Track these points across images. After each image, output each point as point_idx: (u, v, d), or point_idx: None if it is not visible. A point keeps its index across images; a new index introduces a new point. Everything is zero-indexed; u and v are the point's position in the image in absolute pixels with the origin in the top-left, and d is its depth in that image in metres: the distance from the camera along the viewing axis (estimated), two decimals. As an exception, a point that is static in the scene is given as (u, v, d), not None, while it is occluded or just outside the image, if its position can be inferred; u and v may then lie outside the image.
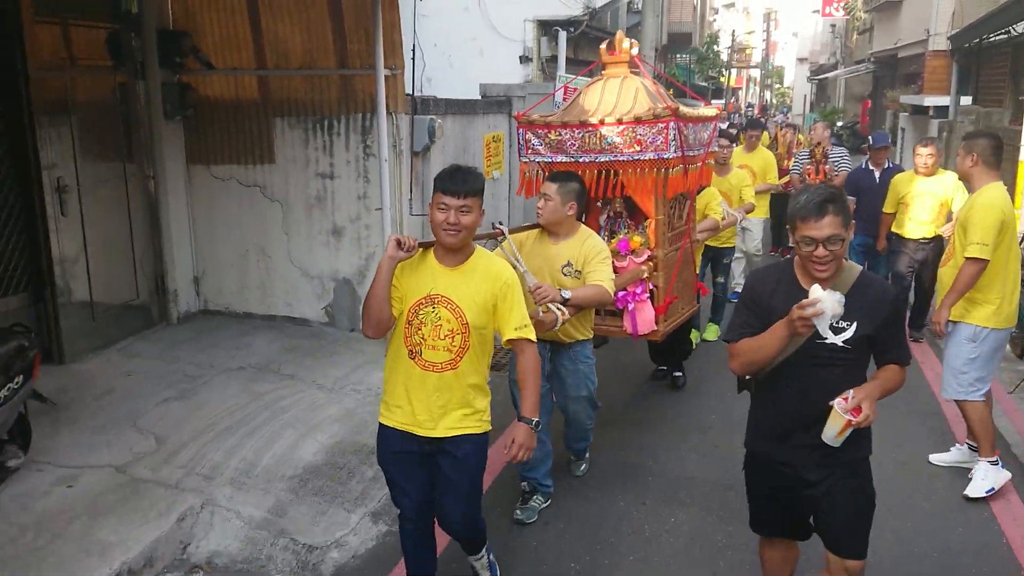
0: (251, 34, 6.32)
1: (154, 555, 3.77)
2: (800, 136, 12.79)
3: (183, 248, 6.73)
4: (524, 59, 10.56)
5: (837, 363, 2.78)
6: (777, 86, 74.78)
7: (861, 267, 2.89)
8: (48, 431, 4.61)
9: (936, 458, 4.94)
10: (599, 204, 5.02)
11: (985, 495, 4.43)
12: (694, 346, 6.48)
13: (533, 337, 3.23)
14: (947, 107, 13.71)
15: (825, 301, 2.60)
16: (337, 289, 6.60)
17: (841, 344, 2.74)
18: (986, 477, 4.48)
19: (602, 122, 4.75)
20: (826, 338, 2.71)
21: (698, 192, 5.65)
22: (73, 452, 4.46)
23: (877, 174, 7.67)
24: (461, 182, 3.05)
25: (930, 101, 15.07)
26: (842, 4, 30.08)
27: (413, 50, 5.98)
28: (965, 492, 4.48)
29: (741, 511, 3.41)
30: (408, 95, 6.24)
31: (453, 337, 3.11)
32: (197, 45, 6.39)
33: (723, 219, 6.13)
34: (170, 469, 4.39)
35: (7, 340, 3.85)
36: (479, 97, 8.55)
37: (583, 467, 4.79)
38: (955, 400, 4.67)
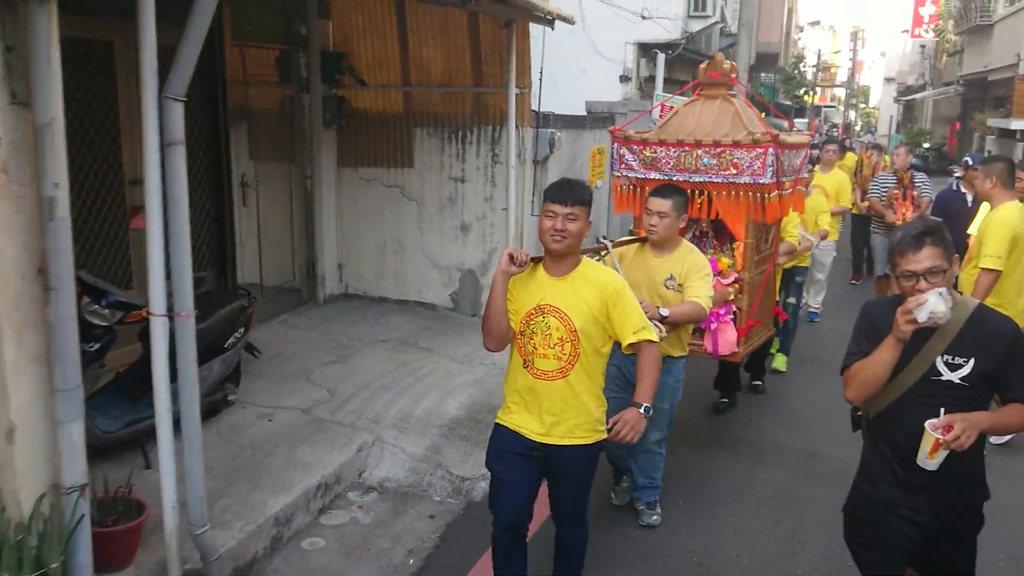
0: (399, 56, 7.33)
1: (340, 475, 4.72)
2: (886, 158, 12.33)
3: (331, 239, 7.77)
4: (624, 78, 11.41)
5: (954, 402, 2.65)
6: (862, 106, 73.75)
7: (978, 302, 2.84)
8: (245, 379, 5.64)
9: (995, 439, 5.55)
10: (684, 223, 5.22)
11: None
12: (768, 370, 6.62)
13: (654, 338, 3.27)
14: (1034, 131, 14.01)
15: (928, 294, 2.57)
16: (463, 279, 7.53)
17: (958, 381, 2.65)
18: None
19: (699, 143, 4.85)
20: (941, 375, 2.66)
21: None
22: (266, 396, 5.46)
23: (970, 198, 7.25)
24: (569, 192, 3.17)
25: (1017, 125, 15.34)
26: (932, 26, 30.05)
27: (541, 72, 6.87)
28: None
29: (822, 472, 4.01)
30: (533, 111, 7.15)
31: (563, 345, 3.18)
32: (353, 65, 7.42)
33: (799, 243, 6.16)
34: (344, 413, 5.35)
35: (233, 299, 4.87)
36: (584, 113, 9.42)
37: (655, 517, 4.48)
38: None
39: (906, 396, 2.71)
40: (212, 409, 4.89)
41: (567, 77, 10.79)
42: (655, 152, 4.99)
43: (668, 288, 4.16)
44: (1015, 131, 15.26)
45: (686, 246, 4.32)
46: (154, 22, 2.98)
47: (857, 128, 57.88)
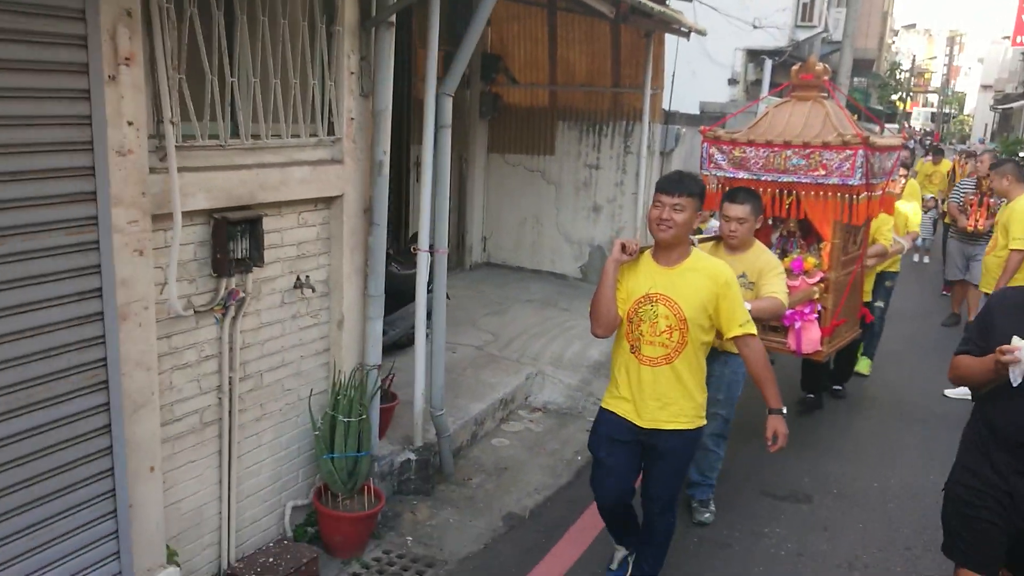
0: (547, 58, 8.51)
1: (514, 395, 5.94)
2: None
3: (477, 214, 9.02)
4: (732, 82, 12.39)
5: None
6: (958, 115, 71.99)
7: None
8: (427, 321, 6.91)
9: (950, 392, 6.54)
10: (770, 222, 5.29)
11: None
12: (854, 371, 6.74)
13: (755, 331, 3.38)
14: None
15: (1022, 351, 2.67)
16: (592, 253, 8.69)
17: None
18: None
19: (788, 143, 4.88)
20: (1015, 384, 2.71)
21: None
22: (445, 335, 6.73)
23: None
24: (676, 183, 3.27)
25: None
26: (1035, 34, 29.80)
27: (673, 75, 7.96)
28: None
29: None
30: (663, 109, 8.26)
31: (671, 333, 3.28)
32: (507, 65, 8.64)
33: (891, 246, 6.18)
34: (509, 351, 6.57)
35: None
36: (698, 112, 10.46)
37: (707, 515, 4.53)
38: None
39: (1007, 385, 2.75)
40: (413, 338, 6.15)
41: (679, 79, 11.82)
42: (744, 152, 5.05)
43: (740, 286, 4.21)
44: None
45: (758, 246, 4.42)
46: (437, 42, 4.21)
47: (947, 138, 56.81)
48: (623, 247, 3.30)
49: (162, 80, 2.94)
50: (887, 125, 32.95)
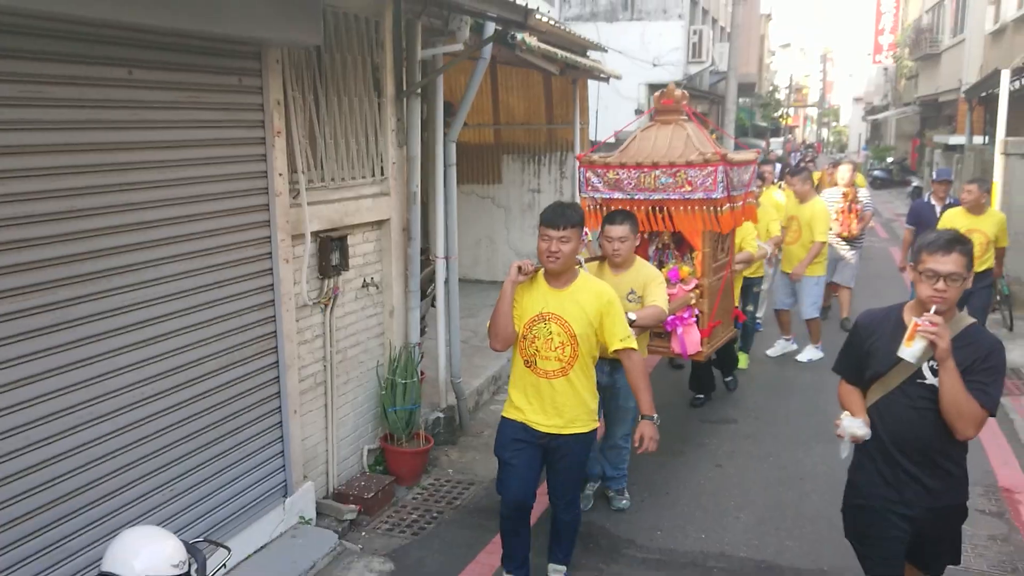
0: (491, 103, 10.16)
1: (500, 374, 7.45)
2: (860, 178, 11.67)
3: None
4: (638, 112, 14.32)
5: (934, 403, 2.88)
6: (834, 124, 77.21)
7: (974, 320, 3.04)
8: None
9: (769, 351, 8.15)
10: (646, 236, 5.60)
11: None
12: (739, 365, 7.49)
13: (635, 345, 3.73)
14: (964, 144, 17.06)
15: (846, 426, 3.01)
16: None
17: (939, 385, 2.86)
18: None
19: (656, 164, 5.29)
20: (925, 378, 2.90)
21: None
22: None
23: (938, 209, 8.09)
24: (560, 216, 3.57)
25: (955, 140, 18.41)
26: (891, 52, 33.41)
27: (597, 112, 9.70)
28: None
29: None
30: (590, 140, 10.00)
31: (563, 348, 3.61)
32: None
33: (757, 251, 6.80)
34: (486, 346, 8.11)
35: (428, 265, 7.61)
36: (614, 140, 12.28)
37: (624, 502, 5.05)
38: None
39: (891, 395, 2.97)
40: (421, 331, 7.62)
41: (593, 111, 13.68)
42: (618, 174, 5.42)
43: (630, 301, 4.59)
44: (954, 145, 18.30)
45: (639, 262, 4.80)
46: (442, 107, 5.77)
47: (831, 145, 61.23)
48: (519, 269, 3.64)
49: (295, 144, 4.41)
50: (772, 140, 35.96)
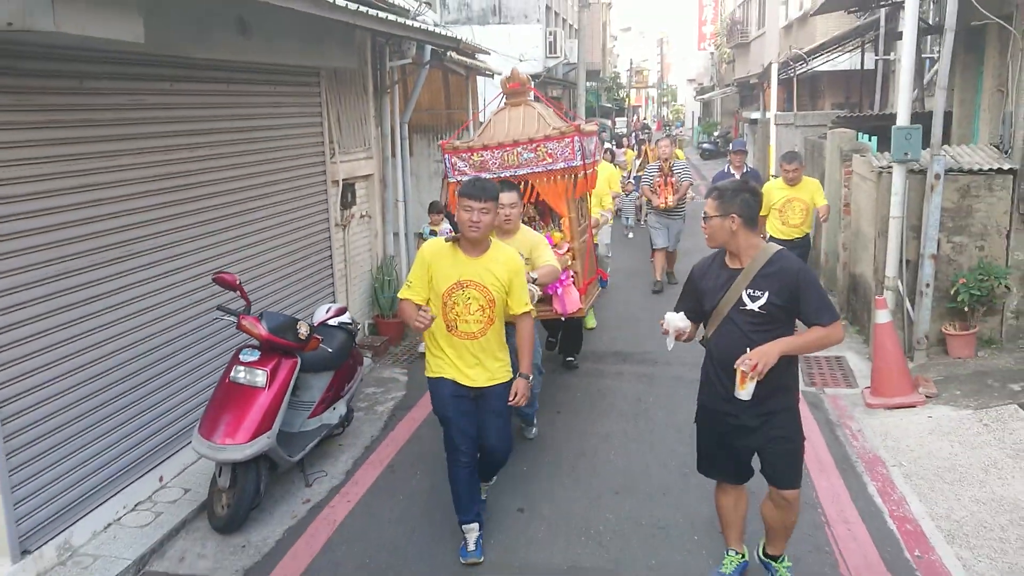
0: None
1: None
2: (679, 152, 13.12)
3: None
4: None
5: (758, 327, 3.42)
6: (673, 104, 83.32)
7: (779, 248, 3.56)
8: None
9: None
10: None
11: None
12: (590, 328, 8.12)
13: (532, 311, 4.18)
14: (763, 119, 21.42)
15: (669, 320, 3.64)
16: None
17: (758, 309, 3.41)
18: None
19: (517, 142, 5.63)
20: (745, 304, 3.42)
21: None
22: (381, 265, 11.25)
23: (737, 176, 8.51)
24: (483, 190, 3.84)
25: (755, 116, 22.81)
26: (712, 41, 38.32)
27: (486, 100, 12.90)
28: None
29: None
30: (479, 121, 13.19)
31: (482, 312, 3.96)
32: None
33: (600, 219, 7.83)
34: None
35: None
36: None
37: (533, 431, 5.66)
38: None
39: (723, 323, 3.51)
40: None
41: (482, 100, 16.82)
42: (482, 156, 5.74)
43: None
44: (755, 120, 22.68)
45: (523, 228, 5.20)
46: (399, 99, 8.83)
47: (671, 121, 66.71)
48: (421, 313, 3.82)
49: (332, 127, 7.38)
50: (617, 119, 40.19)
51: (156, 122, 4.93)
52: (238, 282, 4.71)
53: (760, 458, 3.63)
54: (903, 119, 6.39)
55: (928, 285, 6.47)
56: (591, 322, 8.35)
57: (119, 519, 4.59)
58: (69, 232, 4.28)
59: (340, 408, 5.46)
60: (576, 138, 5.72)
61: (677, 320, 3.62)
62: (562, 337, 7.30)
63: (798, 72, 16.85)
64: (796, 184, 7.68)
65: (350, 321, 5.73)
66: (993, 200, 6.54)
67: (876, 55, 12.82)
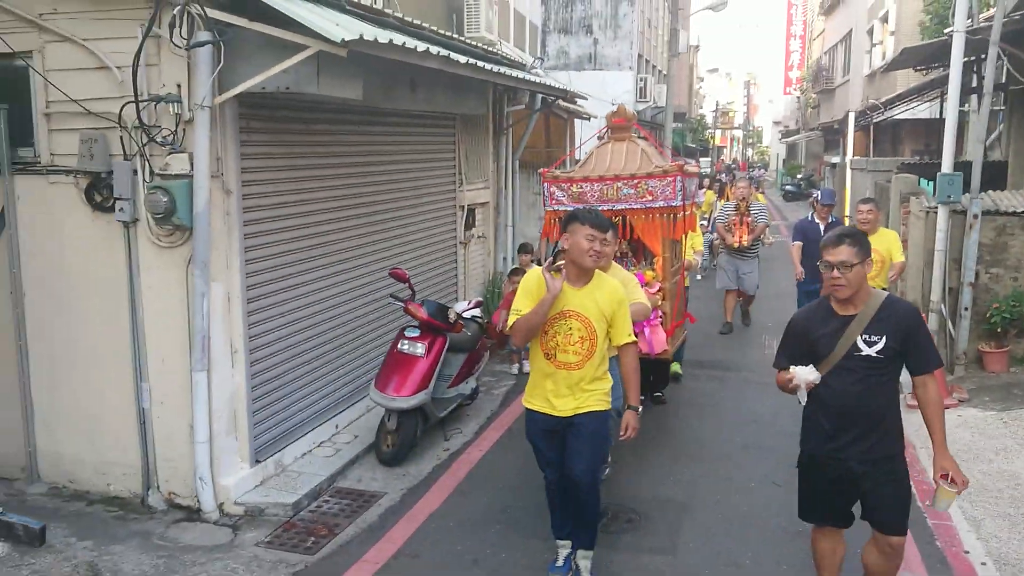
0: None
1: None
2: (759, 196, 13.42)
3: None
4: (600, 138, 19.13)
5: (874, 372, 3.42)
6: (758, 145, 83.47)
7: (888, 292, 3.61)
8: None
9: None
10: None
11: None
12: (677, 376, 7.76)
13: (636, 342, 4.18)
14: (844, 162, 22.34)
15: (799, 375, 3.48)
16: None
17: (875, 355, 3.41)
18: None
19: (618, 176, 5.70)
20: (860, 351, 3.41)
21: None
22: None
23: (822, 227, 8.19)
24: (607, 221, 4.02)
25: (835, 159, 23.71)
26: (798, 86, 39.19)
27: (582, 140, 14.39)
28: None
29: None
30: (576, 159, 14.69)
31: (582, 343, 3.96)
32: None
33: (693, 261, 7.81)
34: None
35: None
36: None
37: (607, 471, 5.40)
38: None
39: (836, 369, 3.48)
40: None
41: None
42: (581, 187, 5.82)
43: None
44: (835, 164, 23.58)
45: (614, 265, 5.13)
46: (511, 138, 10.37)
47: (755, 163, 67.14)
48: (552, 274, 3.84)
49: (460, 161, 8.93)
50: (701, 159, 41.27)
51: (355, 154, 6.58)
52: (407, 276, 6.22)
53: (865, 504, 3.61)
54: (947, 167, 7.55)
55: (967, 309, 7.57)
56: (676, 368, 7.83)
57: (310, 451, 6.10)
58: (304, 232, 5.92)
59: (471, 383, 6.90)
60: (679, 178, 5.81)
61: (807, 373, 3.51)
62: (649, 378, 6.79)
63: (876, 120, 17.82)
64: (872, 231, 7.05)
65: (481, 316, 7.18)
66: (1027, 238, 7.63)
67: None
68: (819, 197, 8.78)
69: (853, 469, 3.52)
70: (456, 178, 8.78)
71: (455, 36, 8.19)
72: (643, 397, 6.25)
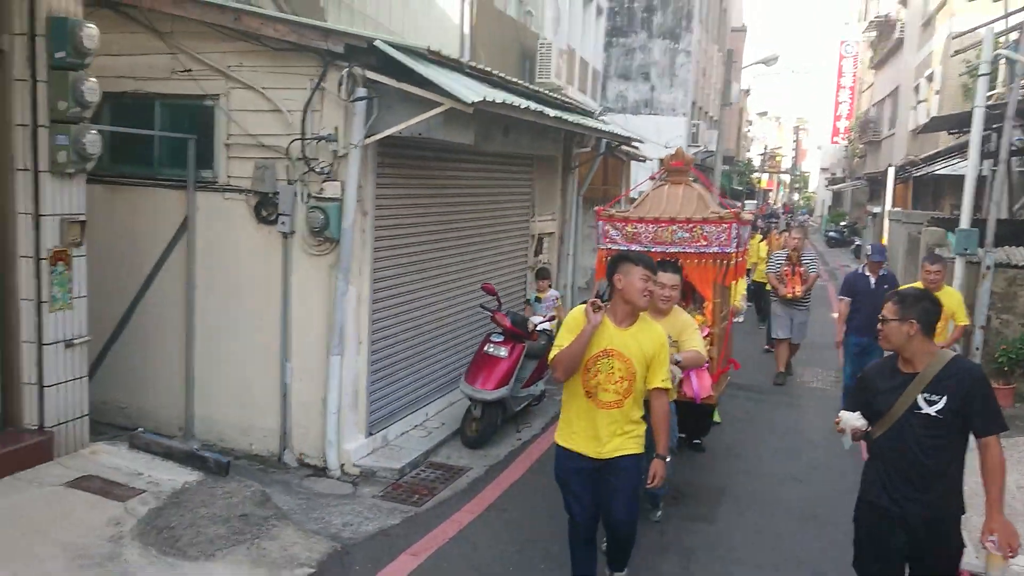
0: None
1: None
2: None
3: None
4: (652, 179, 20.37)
5: (933, 433, 3.43)
6: (805, 191, 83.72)
7: (956, 354, 3.60)
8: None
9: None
10: None
11: None
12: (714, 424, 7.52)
13: (670, 388, 4.22)
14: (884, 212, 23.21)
15: (845, 419, 3.58)
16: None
17: (934, 414, 3.41)
18: None
19: (673, 219, 5.81)
20: (920, 409, 3.43)
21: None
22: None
23: (872, 280, 8.11)
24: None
25: (875, 209, 24.58)
26: (846, 136, 40.10)
27: (637, 182, 15.60)
28: None
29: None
30: (631, 197, 15.91)
31: (622, 382, 4.01)
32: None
33: (741, 307, 7.97)
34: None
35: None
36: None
37: (658, 514, 5.58)
38: None
39: (895, 425, 3.50)
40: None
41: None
42: (636, 228, 5.87)
43: (669, 346, 4.54)
44: (876, 213, 24.46)
45: (676, 309, 5.16)
46: (579, 176, 11.63)
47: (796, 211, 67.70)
48: (593, 311, 3.95)
49: (534, 196, 10.19)
50: (747, 201, 42.20)
51: (456, 187, 7.89)
52: (496, 291, 7.46)
53: (913, 562, 3.64)
54: (965, 223, 8.61)
55: (978, 348, 8.58)
56: (716, 416, 7.61)
57: (407, 432, 7.30)
58: (416, 246, 7.22)
59: (540, 386, 8.08)
60: (734, 225, 5.94)
61: (854, 420, 3.59)
62: (691, 422, 6.70)
63: (917, 175, 18.77)
64: (936, 290, 6.71)
65: (551, 329, 8.37)
66: (1034, 289, 8.63)
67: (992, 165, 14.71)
68: (869, 252, 8.49)
69: (908, 526, 3.55)
70: (530, 210, 10.04)
71: (527, 84, 9.45)
72: (682, 435, 6.47)
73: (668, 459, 4.23)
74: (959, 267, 8.61)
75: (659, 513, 5.64)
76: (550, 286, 8.90)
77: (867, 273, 8.19)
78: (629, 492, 4.16)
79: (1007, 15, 10.06)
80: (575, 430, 4.16)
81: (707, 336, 5.95)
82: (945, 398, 3.42)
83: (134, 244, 6.69)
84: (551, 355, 4.13)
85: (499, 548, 5.28)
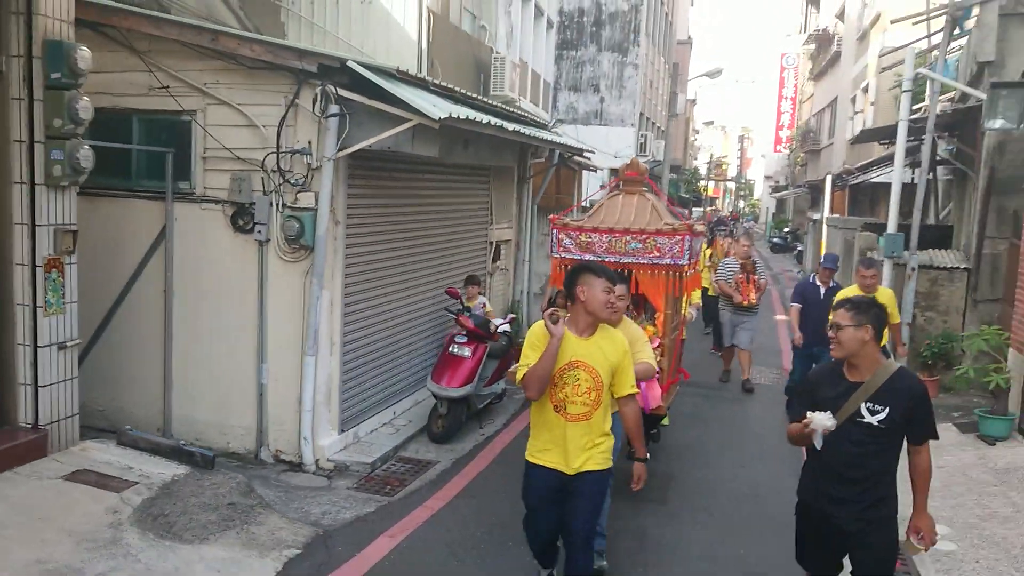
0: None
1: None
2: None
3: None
4: (603, 187, 21.00)
5: (871, 438, 3.52)
6: (750, 198, 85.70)
7: (900, 366, 3.65)
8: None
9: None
10: None
11: None
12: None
13: (637, 392, 4.22)
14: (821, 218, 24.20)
15: (816, 420, 3.52)
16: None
17: (876, 423, 3.50)
18: None
19: (627, 230, 5.82)
20: (862, 418, 3.51)
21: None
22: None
23: (823, 290, 8.34)
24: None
25: (816, 216, 25.62)
26: (788, 145, 41.44)
27: (587, 190, 16.16)
28: None
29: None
30: (583, 205, 16.48)
31: (590, 393, 3.98)
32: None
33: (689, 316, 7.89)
34: (530, 316, 14.36)
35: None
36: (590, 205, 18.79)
37: (603, 564, 4.96)
38: None
39: (838, 432, 3.53)
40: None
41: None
42: (590, 237, 5.89)
43: None
44: (816, 220, 25.49)
45: (625, 320, 5.11)
46: (531, 185, 12.16)
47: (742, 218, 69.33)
48: (553, 323, 3.87)
49: (492, 205, 10.66)
50: (694, 209, 43.23)
51: (420, 196, 8.32)
52: (459, 294, 7.91)
53: (852, 561, 3.76)
54: (891, 228, 9.32)
55: (904, 344, 9.26)
56: (665, 420, 7.45)
57: (376, 429, 7.70)
58: (385, 253, 7.62)
59: (501, 384, 8.54)
60: (687, 237, 5.96)
61: (824, 420, 3.56)
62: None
63: (853, 183, 19.71)
64: (871, 292, 7.22)
65: (510, 330, 8.84)
66: (954, 288, 9.39)
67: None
68: (822, 260, 8.60)
69: (844, 528, 3.66)
70: (488, 218, 10.51)
71: (485, 99, 9.89)
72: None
73: (647, 459, 4.33)
74: (887, 269, 9.31)
75: (604, 564, 5.04)
76: (480, 293, 8.90)
77: (818, 283, 8.43)
78: (591, 507, 4.14)
79: (929, 35, 10.87)
80: (545, 446, 4.12)
81: (658, 347, 6.02)
82: (888, 409, 3.51)
83: (114, 252, 6.98)
84: (518, 376, 4.09)
85: (469, 530, 5.73)
